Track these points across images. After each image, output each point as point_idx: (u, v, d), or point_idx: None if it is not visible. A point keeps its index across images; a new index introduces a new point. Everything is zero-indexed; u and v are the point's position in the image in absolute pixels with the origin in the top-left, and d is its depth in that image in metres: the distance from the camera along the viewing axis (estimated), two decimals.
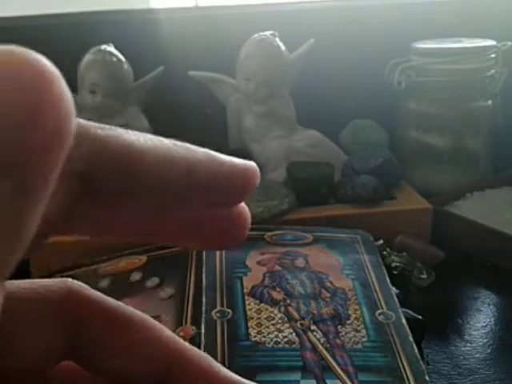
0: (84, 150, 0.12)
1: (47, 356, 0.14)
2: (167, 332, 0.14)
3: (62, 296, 0.14)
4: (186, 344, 0.14)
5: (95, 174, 0.12)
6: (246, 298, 0.44)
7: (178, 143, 0.14)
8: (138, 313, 0.14)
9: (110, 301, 0.14)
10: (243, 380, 0.15)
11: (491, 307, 0.54)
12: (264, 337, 0.40)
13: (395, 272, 0.56)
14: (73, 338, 0.13)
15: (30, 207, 0.10)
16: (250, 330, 0.41)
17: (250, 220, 0.15)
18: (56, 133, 0.10)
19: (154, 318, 0.44)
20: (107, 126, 0.13)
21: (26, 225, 0.10)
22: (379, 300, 0.45)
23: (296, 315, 0.43)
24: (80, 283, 0.14)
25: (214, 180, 0.14)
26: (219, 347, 0.39)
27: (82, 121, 0.12)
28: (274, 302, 0.44)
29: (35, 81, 0.09)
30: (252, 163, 0.15)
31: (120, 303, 0.14)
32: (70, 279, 0.14)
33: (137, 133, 0.13)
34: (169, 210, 0.14)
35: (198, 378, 0.14)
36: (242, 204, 0.15)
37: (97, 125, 0.13)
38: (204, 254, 0.49)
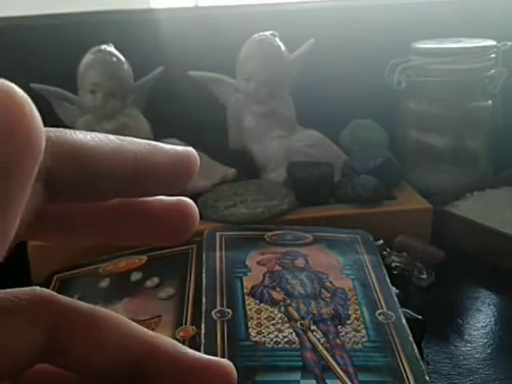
0: (47, 155, 0.13)
1: (21, 360, 0.14)
2: (137, 326, 0.15)
3: (33, 301, 0.14)
4: (157, 334, 0.15)
5: (55, 175, 0.14)
6: (246, 298, 0.44)
7: (123, 137, 0.15)
8: (109, 311, 0.15)
9: (81, 303, 0.15)
10: (214, 358, 0.15)
11: (491, 307, 0.54)
12: (264, 337, 0.40)
13: (395, 272, 0.56)
14: (46, 341, 0.14)
15: (14, 211, 0.12)
16: (250, 329, 0.41)
17: (197, 215, 0.17)
18: (28, 146, 0.12)
19: (154, 318, 0.44)
20: (60, 129, 0.14)
21: (9, 226, 0.12)
22: (379, 300, 0.45)
23: (296, 315, 0.43)
24: (49, 290, 0.15)
25: (160, 167, 0.15)
26: (219, 347, 0.39)
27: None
28: (273, 302, 0.44)
29: (7, 106, 0.12)
30: (191, 149, 0.16)
31: (91, 305, 0.15)
32: (38, 287, 0.15)
33: (85, 132, 0.14)
34: (122, 197, 0.16)
35: (169, 365, 0.15)
36: (189, 201, 0.17)
37: (50, 129, 0.14)
38: (204, 254, 0.49)
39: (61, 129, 0.14)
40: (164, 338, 0.15)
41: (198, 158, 0.16)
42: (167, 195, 0.16)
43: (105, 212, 0.16)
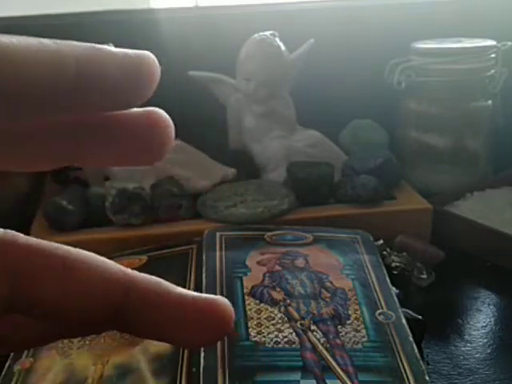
0: None
1: None
2: (114, 265, 0.14)
3: None
4: (137, 272, 0.14)
5: None
6: (246, 298, 0.44)
7: (60, 41, 0.13)
8: (83, 251, 0.13)
9: (52, 244, 0.13)
10: (199, 295, 0.14)
11: (491, 307, 0.54)
12: (264, 337, 0.40)
13: (395, 272, 0.56)
14: (16, 289, 0.12)
15: None
16: (250, 330, 0.41)
17: (171, 126, 0.15)
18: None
19: None
20: None
21: None
22: (379, 300, 0.45)
23: (296, 315, 0.43)
24: (13, 232, 0.13)
25: (107, 73, 0.13)
26: (219, 347, 0.39)
27: None
28: (273, 302, 0.44)
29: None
30: (147, 53, 0.14)
31: (63, 246, 0.13)
32: (1, 229, 0.13)
33: (14, 36, 0.12)
34: (71, 111, 0.14)
35: (154, 302, 0.14)
36: (160, 111, 0.15)
37: None
38: (204, 254, 0.49)
39: None
40: (148, 276, 0.14)
41: (156, 63, 0.14)
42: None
43: (63, 128, 0.14)
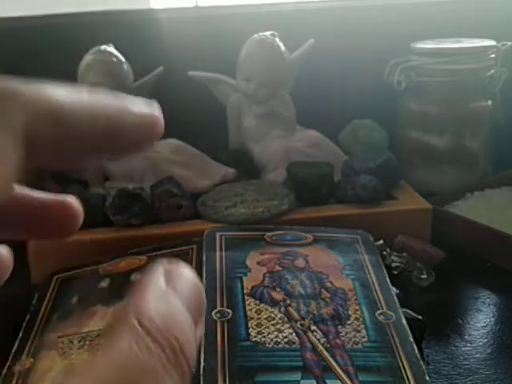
0: (25, 118, 0.14)
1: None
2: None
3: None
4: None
5: (31, 133, 0.14)
6: (246, 298, 0.44)
7: (97, 93, 0.16)
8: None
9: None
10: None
11: (491, 307, 0.54)
12: (264, 337, 0.40)
13: (395, 272, 0.56)
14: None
15: None
16: (250, 330, 0.41)
17: (79, 216, 0.19)
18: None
19: None
20: (33, 86, 0.15)
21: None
22: (379, 300, 0.45)
23: (296, 315, 0.43)
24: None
25: (127, 125, 0.17)
26: (219, 347, 0.39)
27: (13, 87, 0.14)
28: (274, 303, 0.44)
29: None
30: (155, 114, 0.18)
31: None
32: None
33: (59, 87, 0.15)
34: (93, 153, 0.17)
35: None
36: (73, 202, 0.19)
37: (24, 87, 0.15)
38: (204, 254, 0.49)
39: (34, 85, 0.15)
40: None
41: (161, 120, 0.17)
42: (134, 152, 0.18)
43: None
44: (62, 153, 0.16)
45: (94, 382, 0.12)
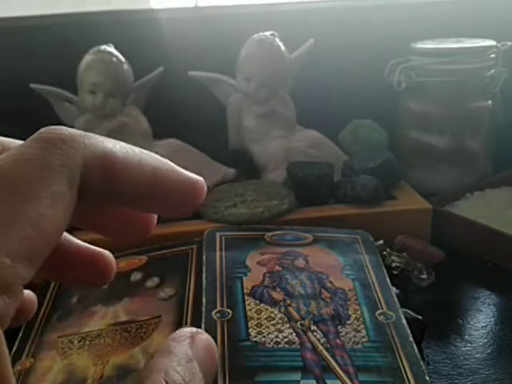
0: (82, 162, 0.15)
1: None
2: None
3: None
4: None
5: (85, 180, 0.16)
6: (246, 298, 0.44)
7: (145, 151, 0.17)
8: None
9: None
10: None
11: (491, 307, 0.54)
12: (264, 337, 0.40)
13: (395, 272, 0.56)
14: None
15: None
16: (250, 330, 0.41)
17: (112, 269, 0.20)
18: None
19: (154, 318, 0.44)
20: (91, 135, 0.16)
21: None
22: (379, 300, 0.45)
23: (296, 315, 0.43)
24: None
25: (171, 187, 0.17)
26: (219, 347, 0.39)
27: (75, 132, 0.16)
28: (274, 303, 0.44)
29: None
30: (200, 179, 0.18)
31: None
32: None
33: (113, 141, 0.16)
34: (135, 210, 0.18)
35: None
36: (109, 255, 0.20)
37: (83, 134, 0.16)
38: (204, 254, 0.49)
39: (92, 134, 0.16)
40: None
41: (205, 187, 0.18)
42: (174, 216, 0.19)
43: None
44: (108, 202, 0.17)
45: None
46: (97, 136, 0.16)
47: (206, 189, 0.18)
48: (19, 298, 0.13)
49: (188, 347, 0.18)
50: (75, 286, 0.22)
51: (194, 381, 0.17)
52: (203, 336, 0.19)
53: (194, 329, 0.19)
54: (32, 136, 0.15)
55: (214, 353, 0.18)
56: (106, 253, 0.20)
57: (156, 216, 0.20)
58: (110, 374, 0.39)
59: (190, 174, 0.18)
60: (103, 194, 0.16)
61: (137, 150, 0.17)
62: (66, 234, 0.19)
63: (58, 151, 0.15)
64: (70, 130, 0.16)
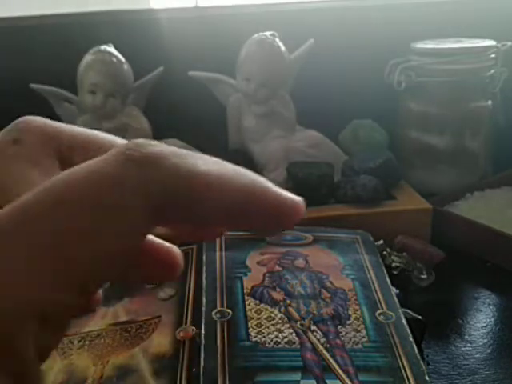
0: (163, 183, 0.14)
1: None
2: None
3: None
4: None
5: (167, 198, 0.14)
6: (246, 298, 0.44)
7: (239, 169, 0.16)
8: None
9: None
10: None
11: (491, 307, 0.54)
12: (264, 337, 0.40)
13: (395, 272, 0.56)
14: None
15: None
16: (250, 330, 0.41)
17: (180, 265, 0.19)
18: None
19: (154, 318, 0.44)
20: (182, 153, 0.15)
21: None
22: (379, 300, 0.45)
23: (296, 315, 0.43)
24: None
25: (265, 210, 0.16)
26: (219, 347, 0.39)
27: (161, 152, 0.14)
28: (274, 303, 0.44)
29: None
30: (299, 199, 0.16)
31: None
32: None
33: (206, 158, 0.15)
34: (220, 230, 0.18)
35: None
36: (178, 251, 0.19)
37: (171, 152, 0.15)
38: (204, 254, 0.49)
39: (184, 152, 0.15)
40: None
41: (303, 208, 0.16)
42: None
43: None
44: (192, 222, 0.16)
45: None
46: (188, 154, 0.15)
47: (304, 209, 0.16)
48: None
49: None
50: (142, 281, 0.21)
51: None
52: None
53: None
54: (116, 148, 0.14)
55: None
56: (175, 248, 0.19)
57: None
58: (109, 374, 0.39)
59: (287, 194, 0.16)
60: (187, 215, 0.15)
61: (230, 168, 0.15)
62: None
63: (140, 173, 0.14)
64: (158, 147, 0.15)
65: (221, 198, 0.15)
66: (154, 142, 0.15)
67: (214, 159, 0.16)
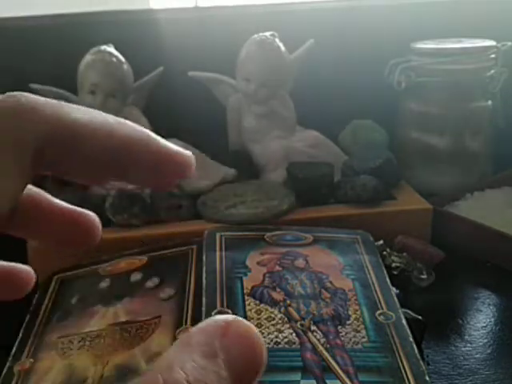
0: (42, 129, 0.15)
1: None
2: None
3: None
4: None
5: (41, 155, 0.15)
6: (246, 298, 0.44)
7: (122, 121, 0.16)
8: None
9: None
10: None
11: (491, 307, 0.54)
12: (264, 337, 0.40)
13: (395, 272, 0.56)
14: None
15: None
16: None
17: (98, 231, 0.19)
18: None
19: (155, 318, 0.44)
20: (57, 104, 0.16)
21: None
22: (379, 300, 0.45)
23: (296, 316, 0.43)
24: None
25: (150, 158, 0.16)
26: None
27: (35, 101, 0.15)
28: (274, 303, 0.44)
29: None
30: (188, 153, 0.17)
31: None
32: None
33: (85, 110, 0.16)
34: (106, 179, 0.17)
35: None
36: (93, 215, 0.19)
37: (46, 103, 0.16)
38: (204, 254, 0.49)
39: (59, 103, 0.16)
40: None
41: (191, 161, 0.17)
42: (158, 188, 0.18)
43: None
44: (78, 170, 0.16)
45: None
46: (64, 105, 0.16)
47: (192, 162, 0.17)
48: None
49: (215, 338, 0.14)
50: (59, 246, 0.21)
51: (207, 382, 0.13)
52: (241, 324, 0.14)
53: (232, 316, 0.15)
54: None
55: (255, 346, 0.14)
56: (91, 213, 0.19)
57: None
58: (109, 374, 0.39)
59: (172, 146, 0.17)
60: (66, 164, 0.16)
61: (111, 118, 0.16)
62: (44, 195, 0.19)
63: (11, 122, 0.15)
64: (32, 97, 0.15)
65: (104, 144, 0.15)
66: (27, 95, 0.15)
67: (96, 111, 0.16)
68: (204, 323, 0.15)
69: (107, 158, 0.16)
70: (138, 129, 0.16)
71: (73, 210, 0.19)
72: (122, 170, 0.16)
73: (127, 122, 0.16)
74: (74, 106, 0.16)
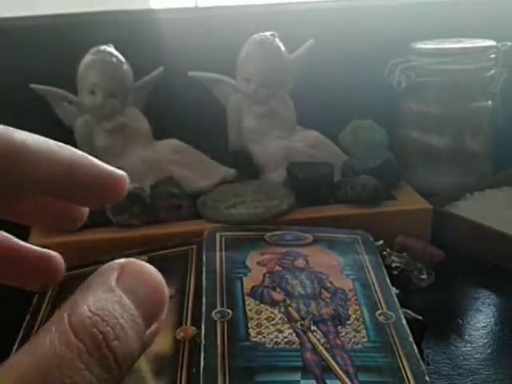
0: None
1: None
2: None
3: None
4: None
5: None
6: (246, 298, 0.44)
7: (62, 145, 0.17)
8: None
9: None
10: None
11: (491, 307, 0.54)
12: (264, 337, 0.40)
13: (395, 272, 0.56)
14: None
15: None
16: (249, 330, 0.41)
17: (61, 270, 0.20)
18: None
19: None
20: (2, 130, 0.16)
21: None
22: (379, 300, 0.45)
23: (296, 316, 0.43)
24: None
25: (90, 181, 0.17)
26: (219, 347, 0.39)
27: None
28: (274, 303, 0.44)
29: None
30: (122, 172, 0.18)
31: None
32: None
33: (27, 133, 0.16)
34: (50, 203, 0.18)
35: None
36: (56, 255, 0.20)
37: None
38: (204, 254, 0.49)
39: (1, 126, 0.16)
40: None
41: (125, 181, 0.18)
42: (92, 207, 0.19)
43: None
44: (24, 192, 0.17)
45: (15, 379, 0.13)
46: (7, 128, 0.16)
47: (126, 183, 0.18)
48: None
49: (112, 277, 0.15)
50: (20, 287, 0.21)
51: (107, 317, 0.14)
52: (136, 263, 0.16)
53: (128, 259, 0.16)
54: None
55: (153, 278, 0.16)
56: (54, 253, 0.20)
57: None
58: None
59: (110, 168, 0.17)
60: (13, 183, 0.16)
61: (52, 142, 0.17)
62: (7, 236, 0.19)
63: None
64: None
65: (42, 168, 0.16)
66: None
67: (39, 136, 0.17)
68: (100, 268, 0.16)
69: (52, 178, 0.16)
70: (79, 152, 0.17)
71: (36, 250, 0.20)
72: (67, 192, 0.17)
73: (69, 147, 0.17)
74: (15, 129, 0.16)
